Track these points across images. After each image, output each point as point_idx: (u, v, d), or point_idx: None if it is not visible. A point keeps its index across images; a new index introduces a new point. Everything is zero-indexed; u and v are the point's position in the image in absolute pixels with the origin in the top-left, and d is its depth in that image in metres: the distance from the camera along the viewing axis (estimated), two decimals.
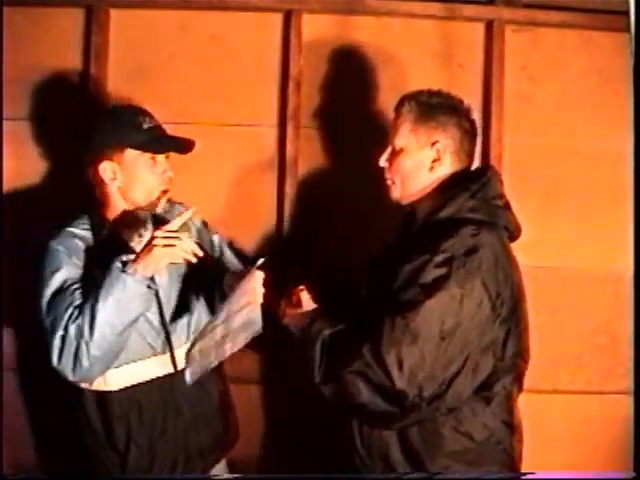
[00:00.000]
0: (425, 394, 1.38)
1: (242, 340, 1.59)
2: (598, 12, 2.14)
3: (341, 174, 2.14)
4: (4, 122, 2.06)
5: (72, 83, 2.11)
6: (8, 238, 2.05)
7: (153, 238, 1.49)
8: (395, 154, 1.56)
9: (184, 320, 1.68)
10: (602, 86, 2.16)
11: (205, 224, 1.86)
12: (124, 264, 1.49)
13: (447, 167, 1.53)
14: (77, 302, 1.51)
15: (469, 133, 1.56)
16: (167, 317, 1.66)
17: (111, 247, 1.59)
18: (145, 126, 1.63)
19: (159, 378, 1.64)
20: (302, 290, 1.59)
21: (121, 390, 1.61)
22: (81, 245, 1.61)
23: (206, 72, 2.13)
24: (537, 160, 2.16)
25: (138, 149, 1.62)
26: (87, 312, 1.47)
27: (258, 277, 1.59)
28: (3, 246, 2.05)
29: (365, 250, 2.05)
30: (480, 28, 2.16)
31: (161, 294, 1.64)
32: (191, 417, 1.68)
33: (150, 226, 1.67)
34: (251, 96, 2.14)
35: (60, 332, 1.49)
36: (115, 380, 1.61)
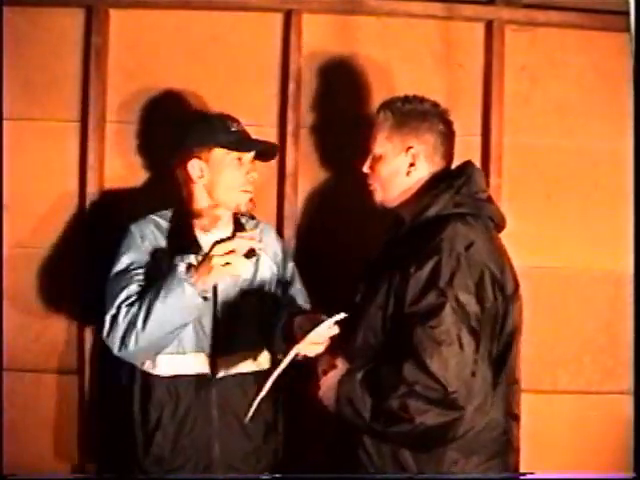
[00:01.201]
0: (474, 390, 1.41)
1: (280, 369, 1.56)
2: (598, 12, 2.14)
3: (341, 174, 2.14)
4: (4, 122, 2.06)
5: (72, 83, 2.11)
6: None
7: (211, 255, 1.52)
8: (375, 160, 1.64)
9: (237, 330, 1.72)
10: (602, 86, 2.16)
11: (284, 248, 1.92)
12: (188, 268, 1.55)
13: (424, 170, 1.61)
14: (133, 286, 1.61)
15: (444, 135, 1.62)
16: (219, 323, 1.70)
17: (183, 240, 1.70)
18: (233, 129, 1.73)
19: (200, 381, 1.69)
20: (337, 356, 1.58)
21: (165, 377, 1.67)
22: (157, 232, 1.72)
23: (206, 72, 2.13)
24: (537, 160, 2.16)
25: (225, 148, 1.71)
26: (144, 305, 1.55)
27: (332, 331, 1.55)
28: (3, 246, 2.06)
29: (365, 250, 2.05)
30: (480, 28, 2.16)
31: (219, 297, 1.70)
32: (219, 426, 1.70)
33: (229, 227, 1.76)
34: (251, 96, 2.13)
35: (112, 311, 1.58)
36: (162, 366, 1.68)
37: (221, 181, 1.72)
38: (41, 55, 2.10)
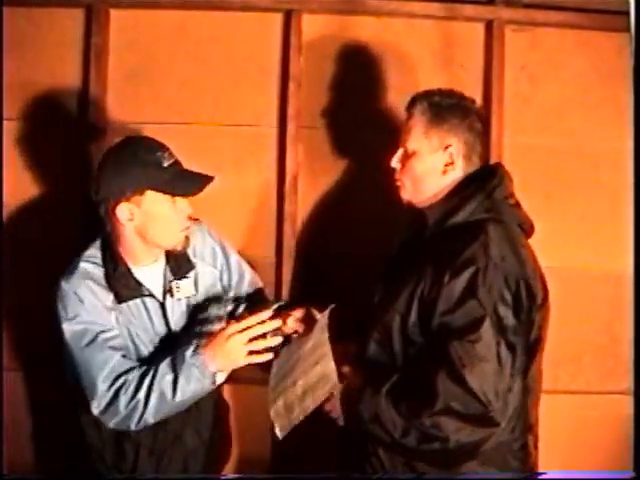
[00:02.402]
0: (509, 406, 1.37)
1: (321, 396, 1.48)
2: (598, 12, 2.14)
3: (341, 174, 2.14)
4: (4, 122, 2.06)
5: (72, 83, 2.11)
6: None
7: (226, 330, 1.48)
8: (407, 156, 1.54)
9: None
10: (602, 86, 2.16)
11: (222, 243, 1.79)
12: (195, 348, 1.48)
13: (460, 170, 1.53)
14: (113, 359, 1.51)
15: (480, 134, 1.55)
16: (176, 341, 1.62)
17: (124, 287, 1.58)
18: (165, 164, 1.53)
19: None
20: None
21: None
22: (93, 285, 1.57)
23: (206, 72, 2.13)
24: (537, 160, 2.16)
25: (159, 191, 1.53)
26: (155, 391, 1.48)
27: (326, 326, 1.53)
28: (3, 246, 2.06)
29: (365, 249, 2.06)
30: (480, 28, 2.16)
31: (173, 329, 1.64)
32: (193, 447, 1.68)
33: (163, 265, 1.64)
34: (251, 96, 2.13)
35: (103, 394, 1.49)
36: None
37: (155, 223, 1.55)
38: (41, 55, 2.10)
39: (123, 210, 1.53)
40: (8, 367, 2.08)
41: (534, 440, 1.52)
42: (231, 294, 1.77)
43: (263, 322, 1.49)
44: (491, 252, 1.40)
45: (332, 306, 1.52)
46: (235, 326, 1.48)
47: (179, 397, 1.48)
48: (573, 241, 2.16)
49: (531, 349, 1.46)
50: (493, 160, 2.09)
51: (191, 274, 1.67)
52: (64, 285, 1.56)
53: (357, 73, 2.14)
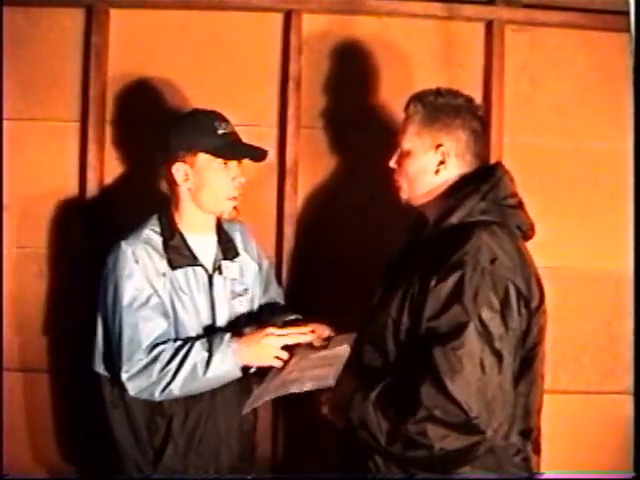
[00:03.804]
0: (496, 413, 1.34)
1: (309, 386, 1.51)
2: (598, 12, 2.14)
3: (341, 174, 2.14)
4: (4, 122, 2.06)
5: (72, 83, 2.11)
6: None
7: (267, 329, 1.59)
8: (403, 156, 1.55)
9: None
10: (602, 86, 2.16)
11: (256, 245, 1.88)
12: (233, 334, 1.59)
13: (453, 169, 1.51)
14: (154, 322, 1.59)
15: (476, 133, 1.52)
16: (219, 329, 1.68)
17: (178, 254, 1.67)
18: (220, 131, 1.66)
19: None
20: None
21: None
22: (150, 250, 1.65)
23: (206, 72, 2.13)
24: (537, 160, 2.16)
25: (210, 154, 1.65)
26: (185, 367, 1.55)
27: (349, 349, 1.54)
28: (3, 246, 2.06)
29: (365, 250, 2.06)
30: (480, 28, 2.16)
31: (217, 307, 1.70)
32: (225, 431, 1.70)
33: (213, 230, 1.74)
34: (251, 96, 2.13)
35: (143, 357, 1.57)
36: None
37: (206, 187, 1.67)
38: (41, 55, 2.10)
39: (178, 170, 1.66)
40: (8, 367, 2.08)
41: (533, 446, 1.49)
42: (256, 298, 1.83)
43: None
44: (480, 256, 1.37)
45: (355, 334, 1.54)
46: (275, 330, 1.60)
47: (209, 374, 1.55)
48: (573, 241, 2.16)
49: (529, 354, 1.44)
50: (493, 160, 2.09)
51: (237, 260, 1.77)
52: (124, 245, 1.64)
53: (357, 73, 2.14)
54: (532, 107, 2.17)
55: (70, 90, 2.11)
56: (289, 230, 2.11)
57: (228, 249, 1.76)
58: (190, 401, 1.64)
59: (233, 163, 1.68)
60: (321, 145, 2.15)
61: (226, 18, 2.13)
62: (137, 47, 2.12)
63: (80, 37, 2.10)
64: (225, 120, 1.69)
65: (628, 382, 2.07)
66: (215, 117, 1.68)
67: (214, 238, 1.75)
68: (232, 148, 1.67)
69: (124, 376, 1.57)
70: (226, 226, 1.79)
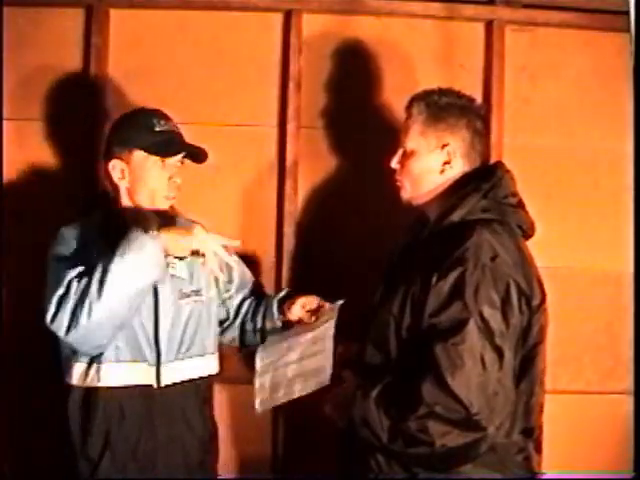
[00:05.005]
0: (497, 410, 1.35)
1: (312, 385, 1.52)
2: (598, 12, 2.14)
3: (341, 174, 2.14)
4: (4, 122, 2.06)
5: (72, 83, 2.11)
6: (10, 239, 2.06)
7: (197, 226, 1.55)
8: (406, 156, 1.55)
9: (177, 336, 1.64)
10: (602, 86, 2.16)
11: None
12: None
13: (458, 169, 1.52)
14: (81, 268, 1.49)
15: (480, 133, 1.54)
16: (162, 330, 1.62)
17: (116, 233, 1.55)
18: (157, 128, 1.63)
19: (142, 390, 1.60)
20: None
21: (107, 390, 1.57)
22: (89, 234, 1.62)
23: (206, 72, 2.13)
24: (537, 161, 2.16)
25: (145, 151, 1.62)
26: (97, 271, 1.45)
27: (334, 321, 1.54)
28: (3, 246, 2.06)
29: (365, 249, 2.06)
30: (480, 28, 2.16)
31: (160, 306, 1.62)
32: (164, 438, 1.61)
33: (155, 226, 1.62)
34: (251, 96, 2.14)
35: (60, 291, 1.47)
36: (108, 376, 1.57)
37: (142, 185, 1.63)
38: (41, 55, 2.11)
39: (115, 167, 1.64)
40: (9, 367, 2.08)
41: (535, 444, 1.49)
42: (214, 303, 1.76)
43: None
44: (481, 253, 1.38)
45: (342, 301, 1.54)
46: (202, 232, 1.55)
47: (128, 257, 1.45)
48: (573, 241, 2.16)
49: (530, 353, 1.44)
50: (493, 160, 2.09)
51: (187, 261, 1.66)
52: (63, 229, 1.64)
53: (357, 73, 2.14)
54: (532, 107, 2.17)
55: (70, 90, 2.10)
56: (289, 230, 2.11)
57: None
58: (126, 404, 1.56)
59: (171, 162, 1.64)
60: (321, 145, 2.15)
61: (226, 18, 2.13)
62: (137, 47, 2.12)
63: (80, 37, 2.11)
64: (166, 118, 1.66)
65: (628, 382, 2.07)
66: (155, 115, 1.65)
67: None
68: (168, 145, 1.63)
69: (48, 320, 1.46)
70: (182, 225, 1.70)
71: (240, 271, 1.82)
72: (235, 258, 1.77)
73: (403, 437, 1.36)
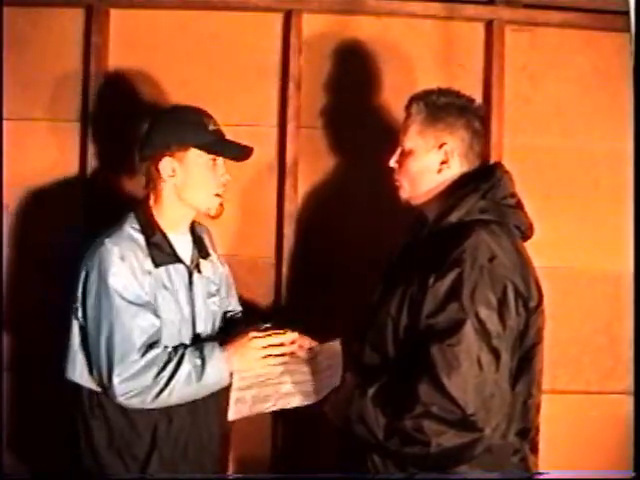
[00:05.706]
0: (493, 411, 1.34)
1: (305, 401, 1.53)
2: (598, 12, 2.14)
3: (341, 174, 2.14)
4: (4, 122, 2.06)
5: (72, 83, 2.11)
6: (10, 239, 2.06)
7: (250, 333, 1.59)
8: (404, 155, 1.55)
9: (207, 335, 1.70)
10: (602, 86, 2.16)
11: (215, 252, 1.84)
12: (221, 343, 1.58)
13: (456, 169, 1.52)
14: (146, 322, 1.54)
15: (478, 133, 1.54)
16: (198, 328, 1.67)
17: (160, 251, 1.62)
18: (210, 128, 1.64)
19: None
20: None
21: None
22: (135, 248, 1.60)
23: (206, 72, 2.13)
24: (537, 160, 2.16)
25: (202, 149, 1.62)
26: (170, 367, 1.52)
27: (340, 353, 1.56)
28: (2, 246, 2.06)
29: (365, 250, 2.06)
30: (480, 28, 2.16)
31: (196, 306, 1.67)
32: (207, 438, 1.68)
33: (191, 240, 1.71)
34: (251, 96, 2.14)
35: (134, 357, 1.51)
36: None
37: (194, 183, 1.63)
38: (41, 55, 2.11)
39: (166, 165, 1.61)
40: (8, 367, 2.08)
41: (531, 445, 1.49)
42: (224, 300, 1.82)
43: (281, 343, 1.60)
44: (478, 254, 1.38)
45: (339, 340, 1.57)
46: (257, 333, 1.59)
47: (203, 381, 1.53)
48: (573, 241, 2.16)
49: (527, 354, 1.44)
50: (493, 160, 2.09)
51: (209, 259, 1.75)
52: (108, 243, 1.58)
53: (357, 73, 2.14)
54: (532, 107, 2.17)
55: (70, 90, 2.11)
56: (289, 230, 2.11)
57: (201, 248, 1.74)
58: (172, 408, 1.59)
59: (220, 160, 1.66)
60: (321, 145, 2.15)
61: (226, 18, 2.13)
62: (137, 47, 2.13)
63: (80, 37, 2.11)
64: (212, 117, 1.67)
65: (628, 382, 2.07)
66: (202, 113, 1.66)
67: (189, 237, 1.72)
68: (223, 145, 1.66)
69: (116, 380, 1.49)
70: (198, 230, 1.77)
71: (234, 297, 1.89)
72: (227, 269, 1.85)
73: (399, 435, 1.36)
